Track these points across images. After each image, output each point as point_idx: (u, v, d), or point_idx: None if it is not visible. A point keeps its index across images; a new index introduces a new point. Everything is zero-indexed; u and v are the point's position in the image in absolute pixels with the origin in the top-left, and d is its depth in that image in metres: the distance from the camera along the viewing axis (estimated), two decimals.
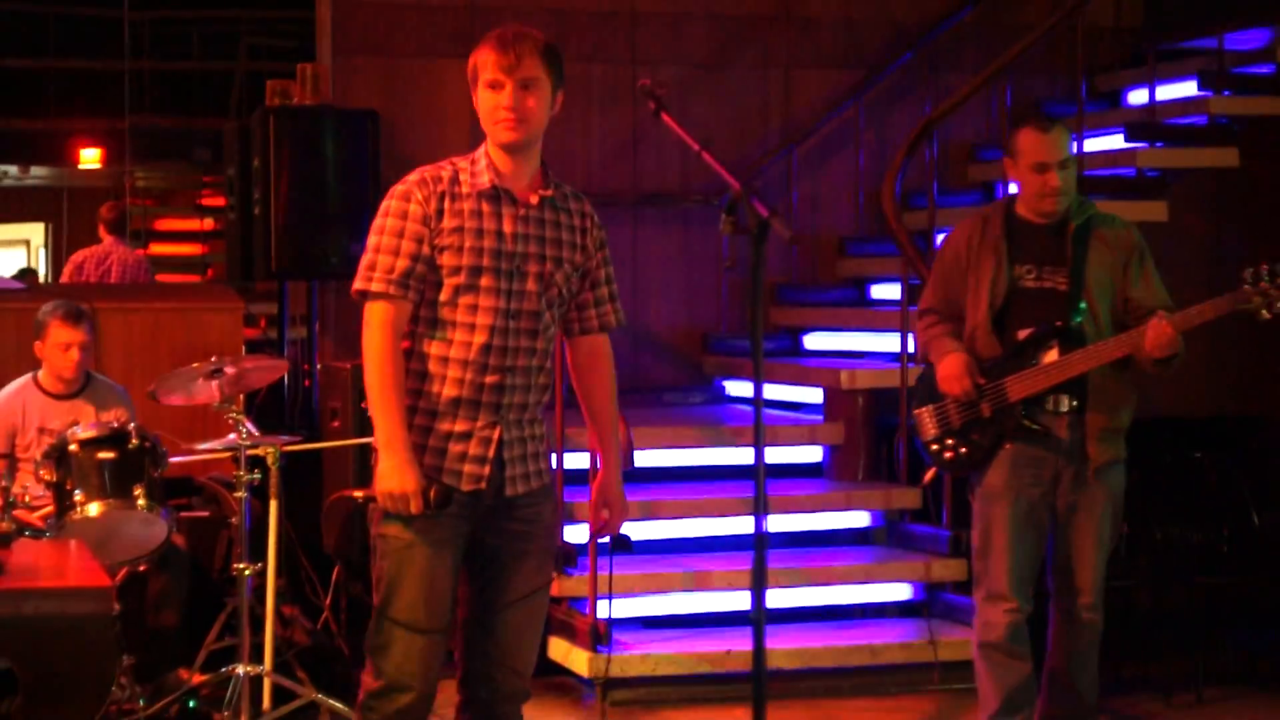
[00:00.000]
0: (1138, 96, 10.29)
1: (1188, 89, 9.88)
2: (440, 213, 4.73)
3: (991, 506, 6.30)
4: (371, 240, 4.79)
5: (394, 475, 4.67)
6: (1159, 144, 9.61)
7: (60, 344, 7.37)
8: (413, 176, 4.82)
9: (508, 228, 4.76)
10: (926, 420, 6.44)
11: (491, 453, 4.77)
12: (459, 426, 4.76)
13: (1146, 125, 9.70)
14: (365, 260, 4.78)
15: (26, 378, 7.53)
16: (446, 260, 4.73)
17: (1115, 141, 9.80)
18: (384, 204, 4.80)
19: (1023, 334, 6.21)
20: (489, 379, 4.74)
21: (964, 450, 6.34)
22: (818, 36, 10.77)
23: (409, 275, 4.74)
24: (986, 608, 6.32)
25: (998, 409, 6.23)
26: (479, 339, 4.73)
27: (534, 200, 4.81)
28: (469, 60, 4.81)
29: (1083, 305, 6.17)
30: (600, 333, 5.01)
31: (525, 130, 4.74)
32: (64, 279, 11.80)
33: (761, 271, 4.99)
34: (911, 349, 8.00)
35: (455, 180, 4.77)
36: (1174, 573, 8.19)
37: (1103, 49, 10.62)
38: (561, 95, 4.87)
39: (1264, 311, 5.93)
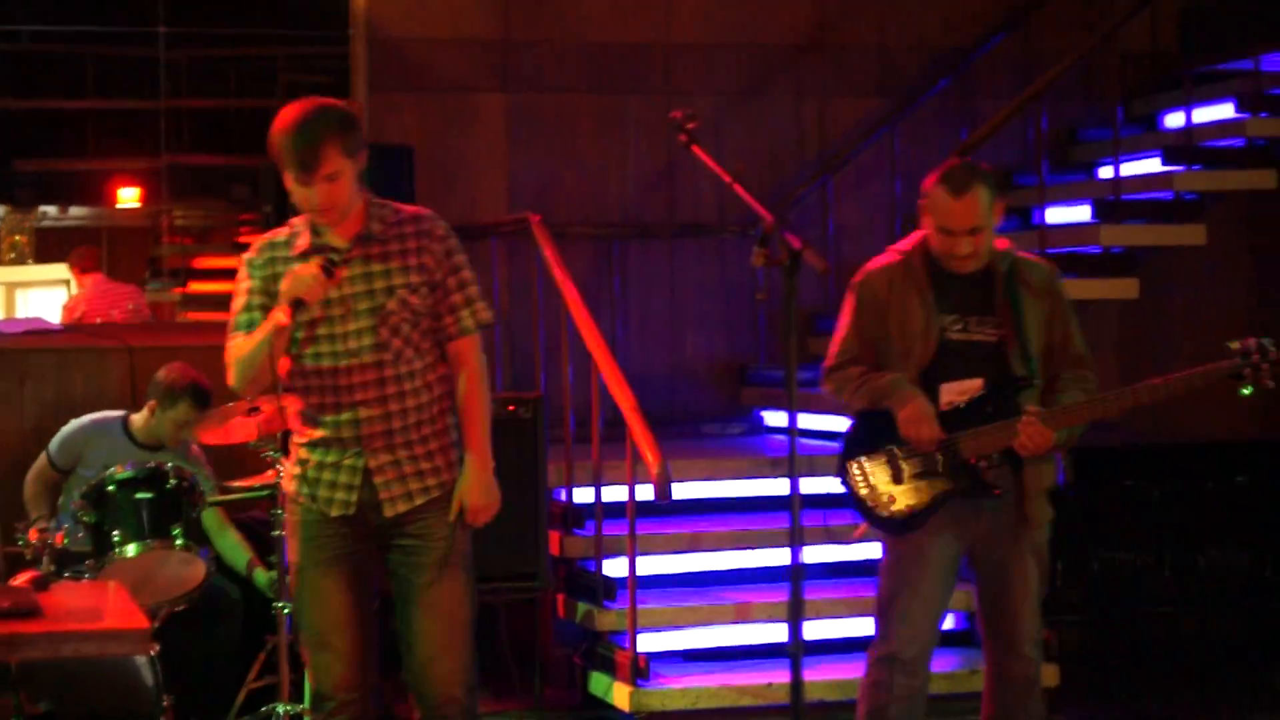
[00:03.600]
0: (1174, 120, 10.25)
1: (1225, 111, 9.83)
2: (275, 276, 5.15)
3: (914, 565, 5.83)
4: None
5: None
6: (1196, 167, 9.57)
7: (180, 422, 7.35)
8: (256, 243, 5.30)
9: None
10: (863, 474, 5.87)
11: (359, 480, 5.15)
12: (329, 459, 5.18)
13: (1184, 148, 9.66)
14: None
15: (119, 416, 7.49)
16: None
17: (1152, 165, 9.76)
18: (239, 271, 5.29)
19: (948, 390, 5.74)
20: (344, 416, 5.13)
21: (910, 505, 5.79)
22: (852, 65, 10.76)
23: (250, 325, 5.20)
24: (882, 670, 5.87)
25: (951, 465, 5.73)
26: (326, 382, 5.13)
27: (349, 246, 5.15)
28: (269, 140, 5.16)
29: (1034, 361, 5.74)
30: (460, 337, 5.26)
31: (337, 214, 5.12)
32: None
33: (794, 302, 4.99)
34: None
35: (289, 243, 5.22)
36: (1220, 599, 8.13)
37: (1138, 73, 10.59)
38: (364, 154, 5.19)
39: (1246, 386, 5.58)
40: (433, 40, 10.19)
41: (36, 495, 7.37)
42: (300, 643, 5.27)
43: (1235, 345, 5.65)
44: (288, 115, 5.09)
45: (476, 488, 5.23)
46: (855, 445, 5.93)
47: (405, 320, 5.14)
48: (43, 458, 7.46)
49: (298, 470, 5.23)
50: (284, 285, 5.04)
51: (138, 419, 7.44)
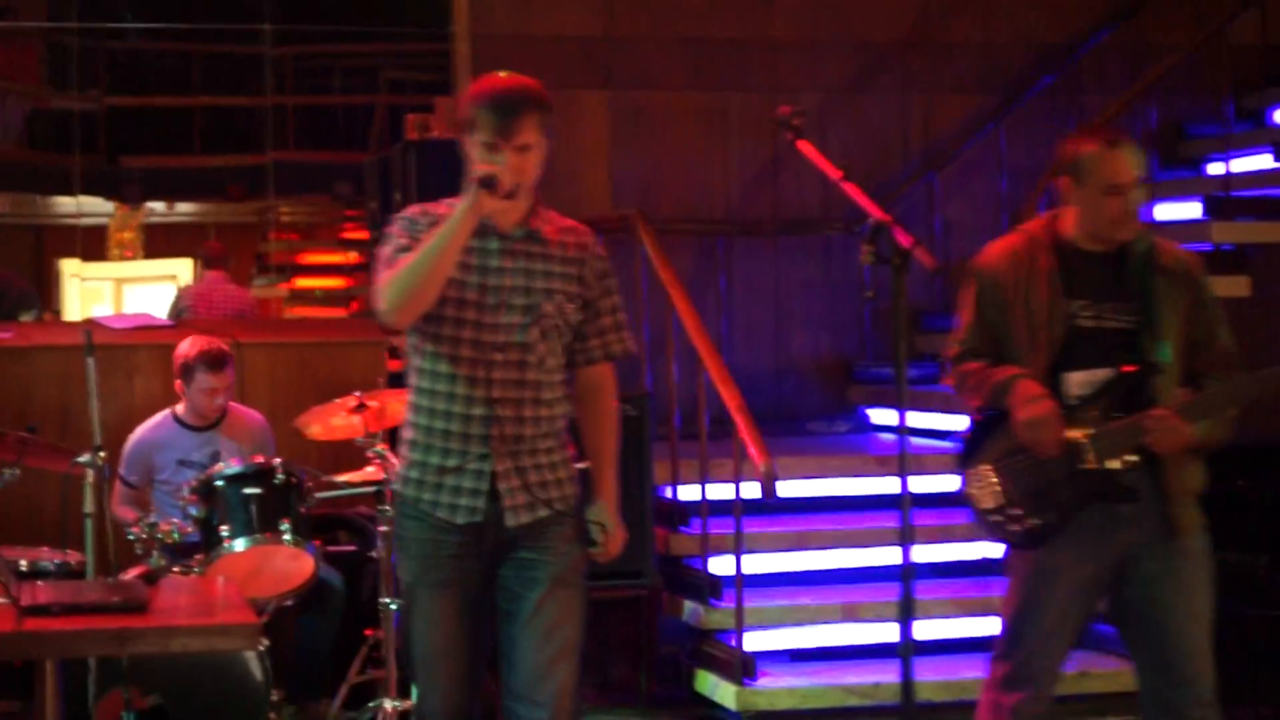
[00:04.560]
0: None
1: None
2: None
3: (1047, 581, 5.28)
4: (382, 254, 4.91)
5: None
6: None
7: (205, 390, 7.45)
8: (413, 208, 4.98)
9: (492, 262, 4.84)
10: (985, 483, 5.36)
11: (485, 486, 4.84)
12: (451, 460, 4.85)
13: None
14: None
15: (166, 413, 7.61)
16: None
17: (1264, 161, 9.66)
18: (391, 229, 4.94)
19: (1076, 382, 5.24)
20: (476, 411, 4.82)
21: (1037, 521, 5.25)
22: (957, 60, 10.70)
23: None
24: (1007, 693, 5.36)
25: (1081, 470, 5.20)
26: (463, 371, 4.81)
27: (517, 233, 4.87)
28: (462, 101, 4.87)
29: (1166, 345, 5.20)
30: (602, 362, 5.03)
31: (521, 191, 4.79)
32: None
33: (903, 302, 4.92)
34: None
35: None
36: None
37: (1248, 67, 10.46)
38: (551, 143, 4.88)
39: None
40: (535, 37, 10.21)
41: (124, 518, 7.32)
42: (410, 663, 5.01)
43: None
44: (493, 80, 4.87)
45: (614, 519, 5.03)
46: (975, 451, 5.43)
47: (554, 327, 4.88)
48: (118, 484, 7.53)
49: (414, 474, 4.94)
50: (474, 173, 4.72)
51: (180, 406, 7.56)
